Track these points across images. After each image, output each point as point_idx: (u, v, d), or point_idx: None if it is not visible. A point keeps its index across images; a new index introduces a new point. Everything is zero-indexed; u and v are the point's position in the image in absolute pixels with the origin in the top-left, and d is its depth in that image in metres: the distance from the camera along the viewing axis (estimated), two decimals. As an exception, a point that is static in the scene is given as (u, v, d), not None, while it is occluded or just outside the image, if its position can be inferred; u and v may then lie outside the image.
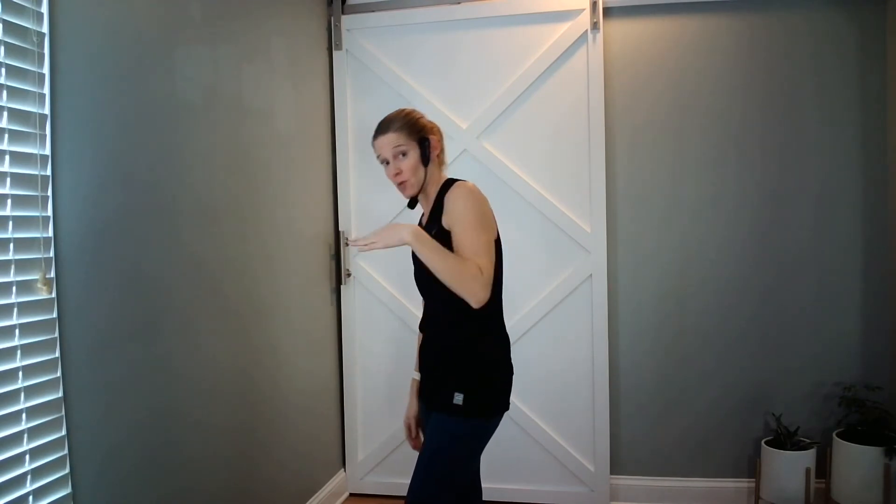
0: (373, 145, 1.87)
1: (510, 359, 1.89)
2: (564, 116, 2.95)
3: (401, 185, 1.84)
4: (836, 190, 2.85)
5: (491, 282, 1.70)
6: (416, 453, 1.89)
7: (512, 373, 1.89)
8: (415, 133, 1.83)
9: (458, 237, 1.73)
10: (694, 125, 2.92)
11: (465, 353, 1.80)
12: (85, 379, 1.68)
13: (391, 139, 1.82)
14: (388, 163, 1.84)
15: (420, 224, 1.96)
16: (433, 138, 1.86)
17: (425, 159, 1.83)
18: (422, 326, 1.97)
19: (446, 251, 1.69)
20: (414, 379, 2.03)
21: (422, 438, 2.01)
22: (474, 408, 1.77)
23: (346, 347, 3.19)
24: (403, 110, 1.88)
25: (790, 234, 2.88)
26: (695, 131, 2.92)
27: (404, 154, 1.81)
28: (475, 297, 1.66)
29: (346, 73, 3.13)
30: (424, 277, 1.87)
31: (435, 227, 1.80)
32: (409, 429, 2.03)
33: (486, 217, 1.76)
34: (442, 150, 1.92)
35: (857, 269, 2.85)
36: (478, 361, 1.79)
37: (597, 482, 2.97)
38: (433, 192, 1.86)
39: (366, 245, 1.72)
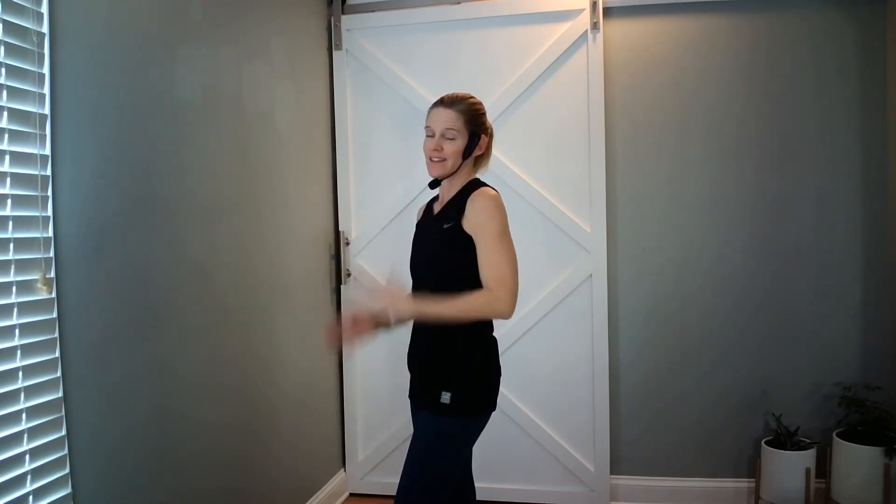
0: (428, 111, 1.87)
1: (498, 359, 1.89)
2: (564, 116, 2.95)
3: (434, 163, 1.84)
4: (836, 190, 2.85)
5: (516, 289, 1.75)
6: None
7: (500, 373, 1.89)
8: (471, 125, 1.84)
9: (481, 248, 1.77)
10: (694, 125, 2.92)
11: (453, 352, 1.80)
12: (85, 379, 1.68)
13: (449, 117, 1.82)
14: (433, 136, 1.84)
15: (429, 210, 1.98)
16: (484, 138, 1.88)
17: (467, 153, 1.85)
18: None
19: (444, 302, 1.74)
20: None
21: (352, 329, 1.90)
22: (461, 407, 1.78)
23: (346, 347, 3.18)
24: (473, 98, 1.88)
25: (790, 234, 2.88)
26: (695, 131, 2.92)
27: (452, 137, 1.82)
28: (503, 315, 1.74)
29: (346, 73, 3.13)
30: (419, 267, 1.91)
31: (451, 222, 1.81)
32: (349, 319, 1.91)
33: (505, 227, 1.80)
34: (485, 155, 1.94)
35: (857, 269, 2.85)
36: (466, 360, 1.79)
37: (597, 482, 2.97)
38: (458, 184, 1.88)
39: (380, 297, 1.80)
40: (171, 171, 2.02)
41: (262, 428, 2.52)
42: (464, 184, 1.88)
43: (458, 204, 1.83)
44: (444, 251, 1.82)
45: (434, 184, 1.94)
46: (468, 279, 1.80)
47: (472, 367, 1.80)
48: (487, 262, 1.76)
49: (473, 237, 1.78)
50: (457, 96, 1.86)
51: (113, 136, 1.78)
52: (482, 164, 1.96)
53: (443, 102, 1.85)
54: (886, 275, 2.83)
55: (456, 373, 1.78)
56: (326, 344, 2.01)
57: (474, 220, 1.77)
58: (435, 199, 1.98)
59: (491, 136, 1.95)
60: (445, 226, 1.82)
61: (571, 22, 2.91)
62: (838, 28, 2.81)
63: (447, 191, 1.90)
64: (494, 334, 1.88)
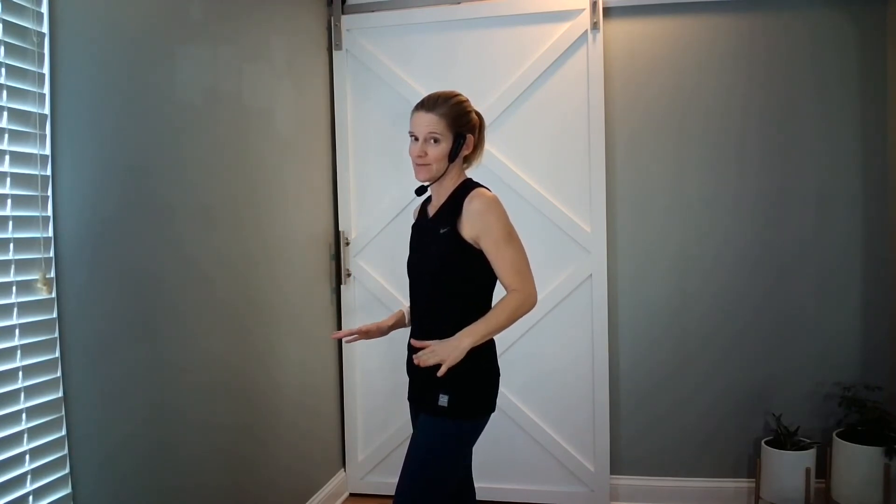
0: (411, 114, 1.83)
1: (496, 360, 1.88)
2: (565, 116, 2.95)
3: (419, 168, 1.81)
4: (836, 190, 2.85)
5: (532, 279, 1.78)
6: None
7: (498, 374, 1.88)
8: (455, 126, 1.79)
9: (493, 252, 1.76)
10: (694, 125, 2.92)
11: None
12: (85, 379, 1.68)
13: (430, 122, 1.78)
14: (416, 139, 1.81)
15: (424, 212, 1.95)
16: (470, 137, 1.84)
17: (453, 155, 1.81)
18: (411, 320, 1.95)
19: (495, 315, 1.75)
20: (402, 310, 2.05)
21: (352, 332, 2.01)
22: (459, 409, 1.77)
23: (346, 347, 3.18)
24: (457, 96, 1.83)
25: (790, 234, 2.88)
26: (695, 131, 2.92)
27: (436, 141, 1.78)
28: (532, 308, 1.78)
29: (346, 73, 3.13)
30: (417, 270, 1.89)
31: (447, 227, 1.79)
32: (360, 329, 2.01)
33: (510, 224, 1.78)
34: (476, 149, 1.89)
35: (857, 269, 2.85)
36: (463, 363, 1.75)
37: (597, 482, 2.97)
38: (450, 186, 1.85)
39: (429, 360, 1.73)
40: (170, 171, 2.02)
41: (262, 428, 2.52)
42: (456, 185, 1.85)
43: (452, 207, 1.80)
44: (440, 255, 1.80)
45: (420, 190, 1.91)
46: (464, 282, 1.80)
47: (469, 370, 1.78)
48: (505, 264, 1.75)
49: (478, 241, 1.76)
50: (438, 97, 1.81)
51: (113, 136, 1.78)
52: (474, 159, 1.91)
53: (424, 105, 1.80)
54: (886, 275, 2.83)
55: (453, 376, 1.76)
56: (333, 338, 2.04)
57: (476, 225, 1.75)
58: (429, 199, 1.95)
59: (481, 129, 1.89)
60: (442, 230, 1.80)
61: (571, 22, 2.91)
62: (838, 28, 2.81)
63: (439, 193, 1.87)
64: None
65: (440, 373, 1.71)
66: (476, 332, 1.73)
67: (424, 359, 1.72)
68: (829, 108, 2.83)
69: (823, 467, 2.77)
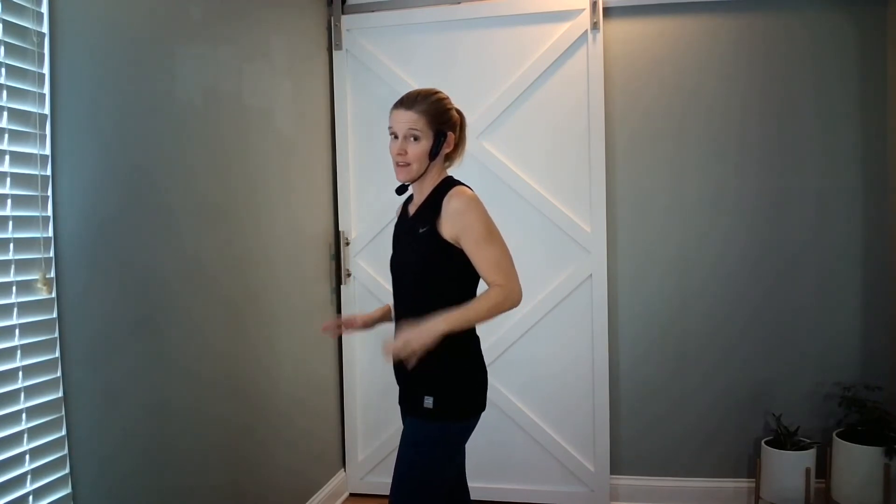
0: (390, 112, 1.81)
1: (482, 359, 1.85)
2: (564, 116, 2.95)
3: (399, 167, 1.80)
4: (836, 190, 2.85)
5: (516, 277, 1.75)
6: None
7: (485, 373, 1.85)
8: (436, 123, 1.78)
9: (473, 252, 1.73)
10: (694, 125, 2.92)
11: (433, 355, 1.71)
12: (85, 379, 1.68)
13: (410, 119, 1.76)
14: (396, 137, 1.79)
15: (405, 211, 1.93)
16: (451, 135, 1.82)
17: (434, 153, 1.79)
18: (396, 317, 1.93)
19: (475, 306, 1.71)
20: (389, 305, 2.03)
21: (340, 323, 2.05)
22: (445, 411, 1.75)
23: (346, 347, 3.19)
24: (436, 93, 1.81)
25: (790, 233, 2.88)
26: (695, 131, 2.92)
27: (416, 139, 1.77)
28: (518, 303, 1.74)
29: (345, 72, 3.13)
30: (399, 269, 1.87)
31: (426, 226, 1.77)
32: (348, 319, 2.03)
33: (490, 222, 1.76)
34: (458, 147, 1.87)
35: (857, 269, 2.85)
36: (447, 363, 1.74)
37: (597, 482, 2.97)
38: (430, 185, 1.83)
39: (400, 351, 1.69)
40: (170, 171, 2.02)
41: (262, 428, 2.52)
42: (436, 183, 1.83)
43: (432, 206, 1.78)
44: (421, 255, 1.79)
45: (400, 189, 1.89)
46: (447, 281, 1.78)
47: (453, 371, 1.76)
48: (486, 262, 1.72)
49: (459, 241, 1.74)
50: (418, 94, 1.79)
51: (113, 135, 1.78)
52: (456, 157, 1.90)
53: (403, 103, 1.78)
54: (886, 275, 2.83)
55: (437, 377, 1.74)
56: (322, 331, 2.06)
57: (456, 225, 1.73)
58: (411, 197, 1.93)
59: (462, 127, 1.88)
60: (421, 230, 1.78)
61: (571, 22, 2.91)
62: (838, 28, 2.81)
63: (420, 192, 1.86)
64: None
65: (408, 358, 1.66)
66: (452, 319, 1.68)
67: (397, 349, 1.68)
68: (829, 108, 2.83)
69: (823, 467, 2.77)
